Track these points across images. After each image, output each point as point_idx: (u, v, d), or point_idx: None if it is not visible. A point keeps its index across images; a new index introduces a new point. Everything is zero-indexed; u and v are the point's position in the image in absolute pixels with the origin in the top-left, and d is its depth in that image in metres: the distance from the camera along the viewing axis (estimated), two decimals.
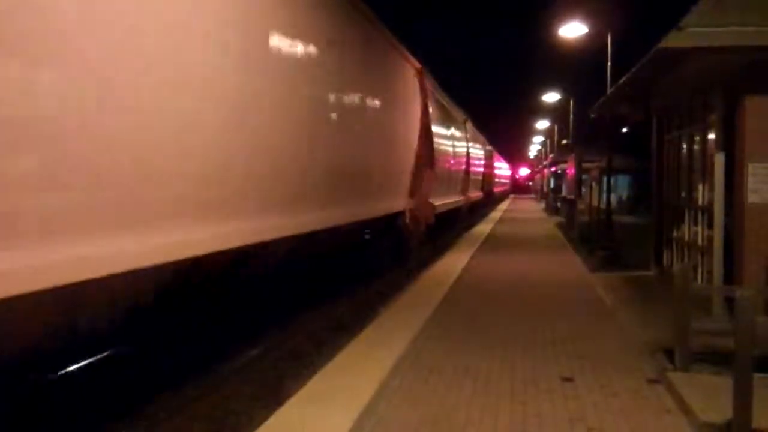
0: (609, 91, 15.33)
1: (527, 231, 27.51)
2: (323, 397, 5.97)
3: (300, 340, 9.52)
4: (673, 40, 8.17)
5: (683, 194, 11.69)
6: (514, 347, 7.91)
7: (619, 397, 6.12)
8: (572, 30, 20.77)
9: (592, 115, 16.86)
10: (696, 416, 5.52)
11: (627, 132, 37.43)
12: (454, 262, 15.91)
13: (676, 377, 6.57)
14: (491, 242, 21.75)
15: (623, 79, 10.79)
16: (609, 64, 17.97)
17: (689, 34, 8.14)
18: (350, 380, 6.43)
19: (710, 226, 9.82)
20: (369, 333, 8.50)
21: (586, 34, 20.62)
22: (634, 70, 9.82)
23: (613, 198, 34.34)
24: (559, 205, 40.55)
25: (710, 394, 5.96)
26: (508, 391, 6.25)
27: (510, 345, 8.02)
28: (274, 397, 6.91)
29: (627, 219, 30.31)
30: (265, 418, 5.49)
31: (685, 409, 5.73)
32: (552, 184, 55.21)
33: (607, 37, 18.52)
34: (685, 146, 11.78)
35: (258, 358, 8.58)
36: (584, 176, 34.42)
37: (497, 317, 9.71)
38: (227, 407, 6.92)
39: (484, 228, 28.30)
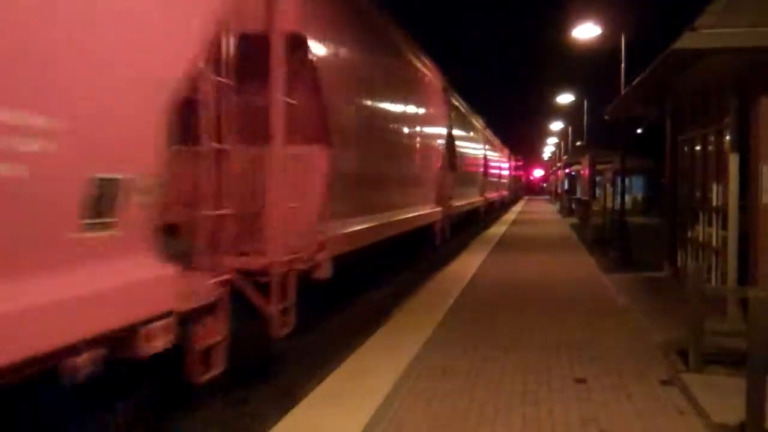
0: (623, 92, 15.29)
1: (541, 232, 27.45)
2: (336, 398, 6.01)
3: (314, 340, 9.55)
4: (686, 41, 8.15)
5: (697, 195, 11.64)
6: (527, 348, 7.91)
7: (632, 398, 6.11)
8: (586, 31, 20.73)
9: (606, 117, 16.81)
10: (709, 418, 5.51)
11: (641, 133, 37.30)
12: (468, 263, 15.93)
13: (690, 378, 6.56)
14: (505, 244, 21.73)
15: (637, 80, 10.77)
16: (623, 65, 17.91)
17: (703, 35, 8.12)
18: (363, 381, 6.47)
19: (724, 227, 9.77)
20: (383, 333, 8.53)
21: (600, 35, 20.58)
22: (647, 71, 9.80)
23: (628, 199, 34.13)
24: (573, 206, 40.43)
25: (724, 396, 5.95)
26: (520, 392, 6.26)
27: (523, 346, 8.02)
28: (288, 398, 6.95)
29: (641, 220, 30.19)
30: (278, 419, 5.53)
31: (699, 411, 5.72)
32: (566, 186, 55.08)
33: (621, 38, 18.46)
34: (699, 147, 11.72)
35: (272, 359, 8.61)
36: (598, 177, 34.32)
37: (510, 318, 9.70)
38: (240, 408, 6.96)
39: (498, 230, 28.27)
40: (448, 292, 11.69)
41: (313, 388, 6.34)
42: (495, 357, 7.52)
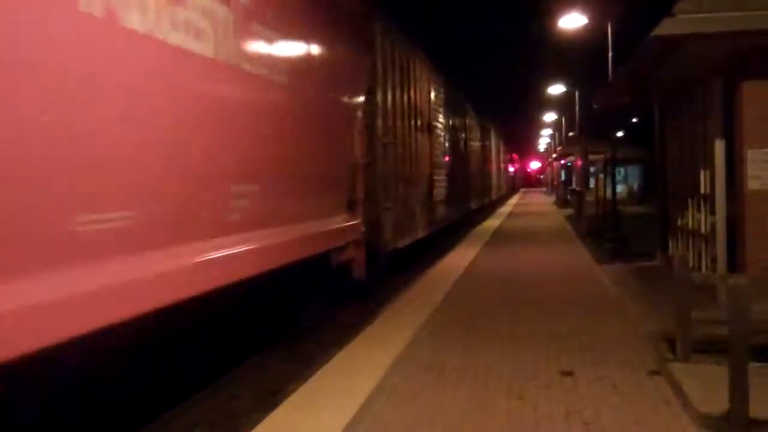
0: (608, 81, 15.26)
1: (536, 224, 27.42)
2: (319, 397, 5.96)
3: (301, 341, 9.51)
4: (665, 28, 8.10)
5: (686, 182, 11.61)
6: (515, 341, 7.87)
7: (618, 389, 6.06)
8: (572, 21, 20.69)
9: (595, 106, 16.78)
10: (695, 407, 5.46)
11: (637, 122, 37.24)
12: (462, 255, 15.97)
13: (677, 368, 6.51)
14: (500, 236, 21.71)
15: (620, 69, 10.72)
16: (610, 54, 17.87)
17: (682, 21, 8.07)
18: (347, 380, 6.42)
19: (713, 213, 9.74)
20: (371, 331, 8.49)
21: (587, 24, 20.53)
22: (629, 59, 9.75)
23: (624, 189, 34.09)
24: (569, 197, 40.41)
25: (710, 385, 5.89)
26: (505, 387, 6.21)
27: (512, 338, 7.98)
28: (274, 399, 6.91)
29: (636, 209, 30.19)
30: (260, 420, 5.49)
31: (684, 400, 5.67)
32: (563, 177, 55.08)
33: (607, 27, 18.41)
34: (686, 134, 11.69)
35: (259, 360, 8.58)
36: (592, 168, 34.29)
37: (501, 311, 9.66)
38: (226, 410, 6.93)
39: (493, 222, 28.26)
40: (440, 284, 11.66)
41: (297, 388, 6.29)
42: (482, 350, 7.47)
